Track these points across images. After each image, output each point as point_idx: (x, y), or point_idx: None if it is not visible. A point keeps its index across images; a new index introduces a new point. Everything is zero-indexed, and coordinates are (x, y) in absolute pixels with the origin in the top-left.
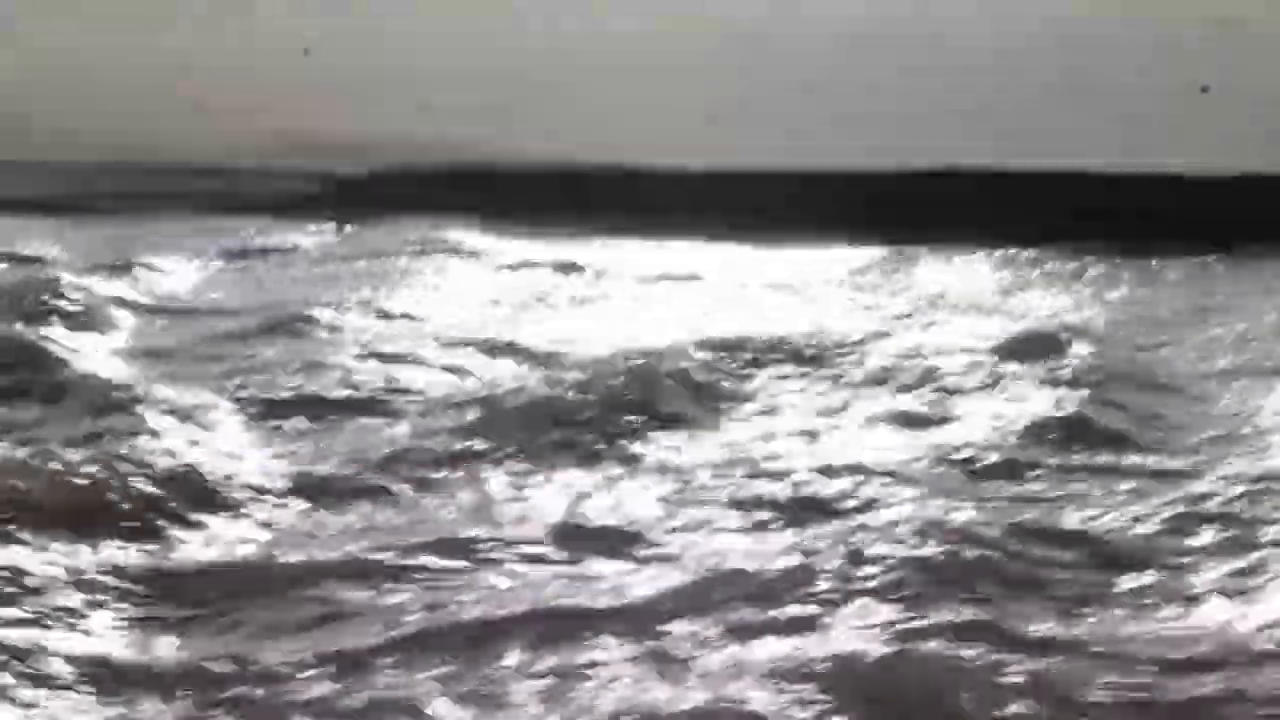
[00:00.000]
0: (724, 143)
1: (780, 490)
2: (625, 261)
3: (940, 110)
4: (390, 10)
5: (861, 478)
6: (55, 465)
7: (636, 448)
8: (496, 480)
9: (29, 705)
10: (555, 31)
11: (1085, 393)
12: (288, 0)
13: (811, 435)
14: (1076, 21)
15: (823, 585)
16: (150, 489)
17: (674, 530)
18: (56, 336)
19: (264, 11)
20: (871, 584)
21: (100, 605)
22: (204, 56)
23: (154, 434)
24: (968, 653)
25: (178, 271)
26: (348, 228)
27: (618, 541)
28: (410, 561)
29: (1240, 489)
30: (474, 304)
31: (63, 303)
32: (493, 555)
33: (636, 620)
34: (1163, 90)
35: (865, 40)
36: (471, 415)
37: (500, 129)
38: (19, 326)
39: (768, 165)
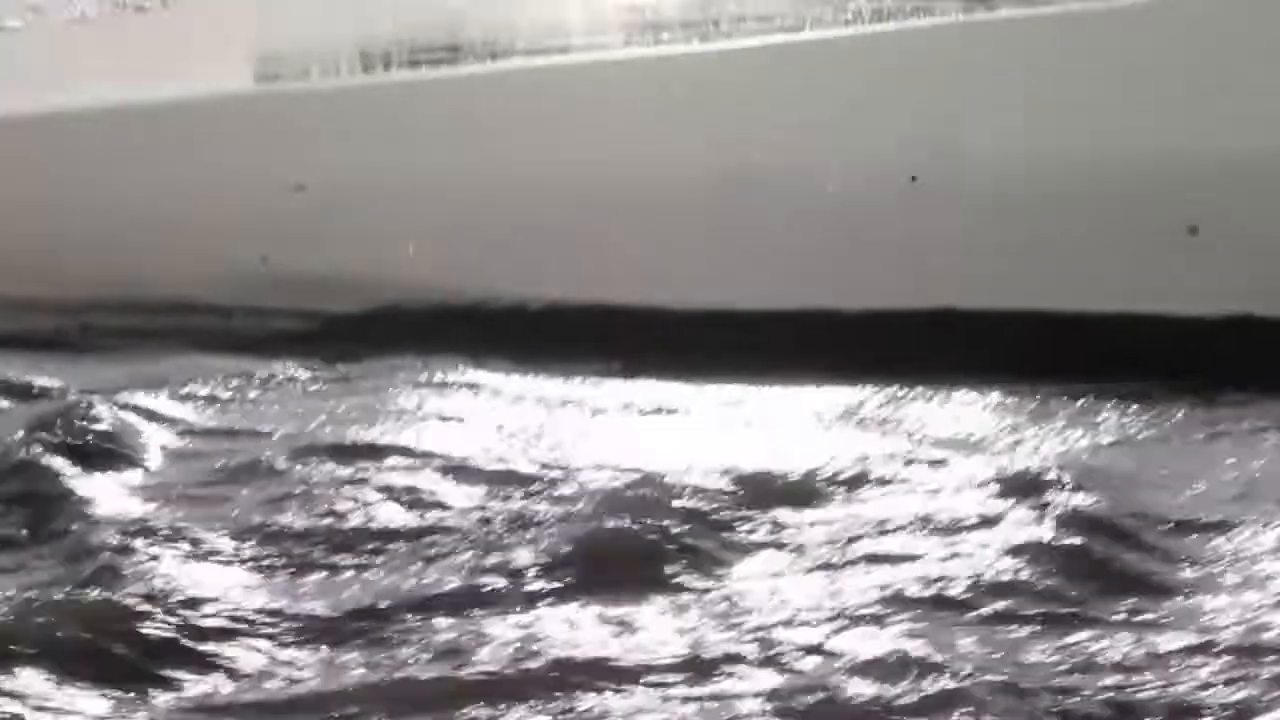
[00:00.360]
0: (716, 281)
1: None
2: (617, 397)
3: (934, 252)
4: (384, 147)
5: (846, 621)
6: (53, 607)
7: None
8: (528, 617)
9: None
10: (545, 171)
11: (1081, 534)
12: (282, 135)
13: (805, 573)
14: (1067, 162)
15: None
16: (156, 630)
17: None
18: (57, 470)
19: (257, 146)
20: None
21: None
22: (196, 191)
23: (160, 573)
24: None
25: (176, 408)
26: (340, 365)
27: None
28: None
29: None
30: (472, 437)
31: (63, 437)
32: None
33: None
34: (1152, 232)
35: (860, 182)
36: (487, 548)
37: (493, 267)
38: (22, 455)
39: (762, 304)
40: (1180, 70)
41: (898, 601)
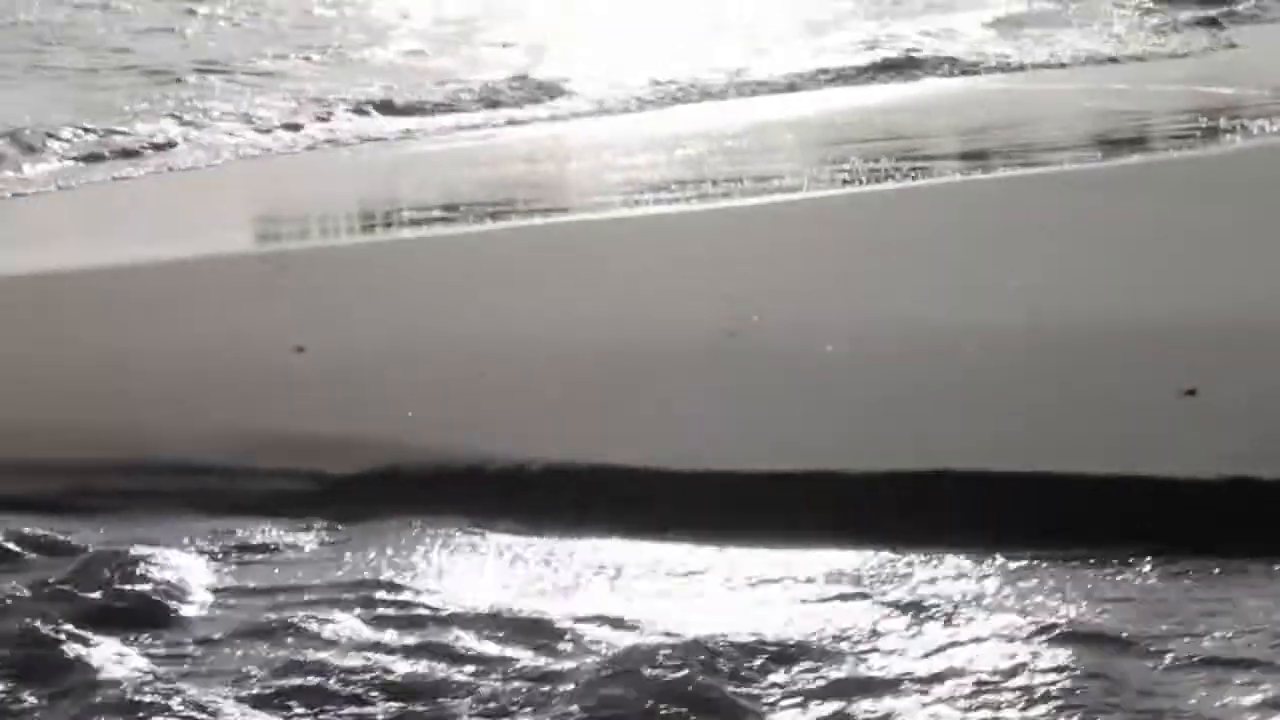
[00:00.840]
0: (714, 444)
1: None
2: (617, 559)
3: (932, 413)
4: (383, 307)
5: None
6: None
7: None
8: None
9: None
10: (543, 331)
11: (1074, 697)
12: (281, 296)
13: None
14: (1062, 323)
15: None
16: None
17: None
18: (63, 632)
19: (257, 307)
20: None
21: None
22: (196, 352)
23: None
24: None
25: (184, 570)
26: (341, 527)
27: None
28: None
29: None
30: (479, 597)
31: (67, 600)
32: None
33: None
34: (1148, 393)
35: (860, 342)
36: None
37: (492, 428)
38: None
39: (757, 466)
40: (1176, 232)
41: None
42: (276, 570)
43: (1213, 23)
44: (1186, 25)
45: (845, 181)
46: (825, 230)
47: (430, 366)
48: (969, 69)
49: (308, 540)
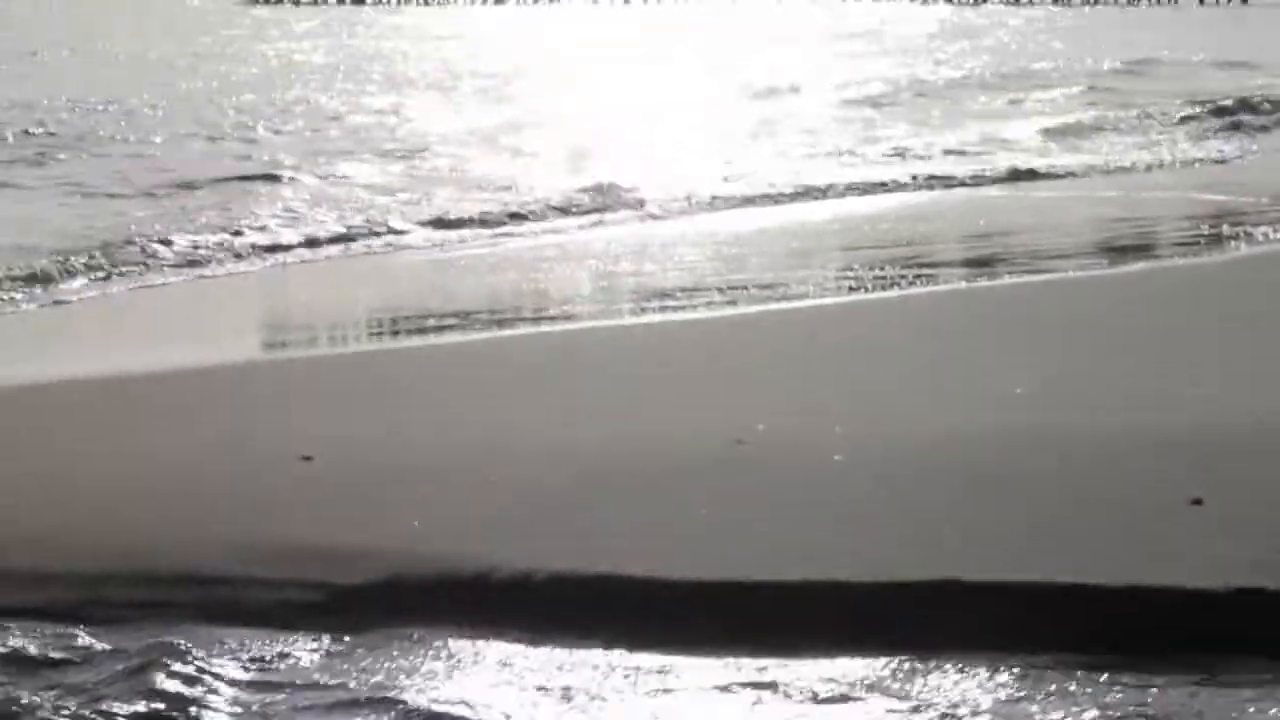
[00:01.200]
0: (722, 553)
1: None
2: (628, 671)
3: (939, 524)
4: (390, 415)
5: None
6: None
7: None
8: None
9: None
10: (548, 440)
11: None
12: (288, 404)
13: None
14: (1068, 434)
15: None
16: None
17: None
18: None
19: (264, 415)
20: None
21: None
22: (204, 461)
23: None
24: None
25: (195, 682)
26: (347, 637)
27: None
28: None
29: None
30: (483, 709)
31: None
32: None
33: None
34: (1155, 502)
35: (865, 452)
36: None
37: (497, 538)
38: None
39: (766, 576)
40: (1181, 340)
41: None
42: (284, 681)
43: (1238, 128)
44: (1220, 132)
45: (851, 289)
46: (833, 336)
47: (437, 475)
48: (1023, 176)
49: (315, 651)
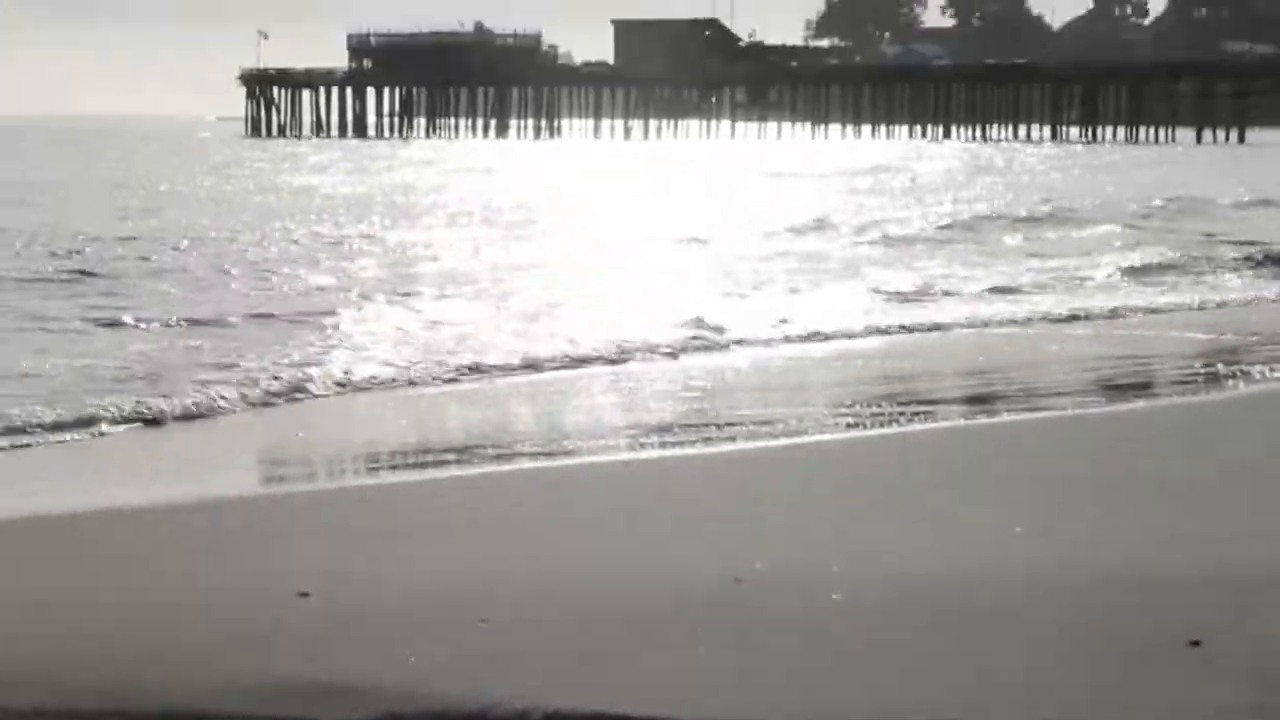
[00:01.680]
0: (719, 693)
1: None
2: None
3: (938, 662)
4: (387, 550)
5: None
6: None
7: None
8: None
9: None
10: (545, 578)
11: None
12: (285, 539)
13: None
14: (1064, 577)
15: None
16: None
17: None
18: None
19: (260, 551)
20: None
21: None
22: (198, 597)
23: None
24: None
25: None
26: None
27: None
28: None
29: None
30: None
31: None
32: None
33: None
34: (1152, 644)
35: (864, 589)
36: None
37: (494, 675)
38: None
39: (763, 716)
40: (1178, 483)
41: None
42: None
43: None
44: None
45: (849, 426)
46: (832, 475)
47: (432, 611)
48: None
49: None
